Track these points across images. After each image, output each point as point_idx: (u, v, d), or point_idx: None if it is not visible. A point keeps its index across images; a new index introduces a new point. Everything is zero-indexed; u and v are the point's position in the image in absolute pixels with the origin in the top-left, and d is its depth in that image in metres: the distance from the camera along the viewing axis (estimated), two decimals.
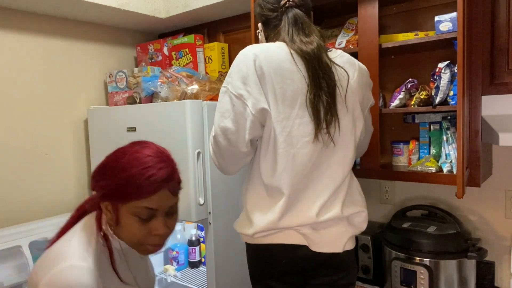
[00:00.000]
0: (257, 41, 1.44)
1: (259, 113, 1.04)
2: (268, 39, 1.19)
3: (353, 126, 1.12)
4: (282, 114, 1.05)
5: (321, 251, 1.10)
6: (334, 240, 1.11)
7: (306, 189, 1.09)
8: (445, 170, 1.34)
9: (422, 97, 1.38)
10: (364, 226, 1.16)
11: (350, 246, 1.16)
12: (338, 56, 1.12)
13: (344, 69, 1.09)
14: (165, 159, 0.93)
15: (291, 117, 1.05)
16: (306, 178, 1.08)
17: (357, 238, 1.58)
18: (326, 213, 1.08)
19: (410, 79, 1.47)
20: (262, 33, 1.21)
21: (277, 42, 1.10)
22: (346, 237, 1.13)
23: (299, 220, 1.07)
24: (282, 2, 1.11)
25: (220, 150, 1.11)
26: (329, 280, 1.13)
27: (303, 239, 1.10)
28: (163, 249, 1.93)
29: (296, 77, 1.05)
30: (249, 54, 1.05)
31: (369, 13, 1.41)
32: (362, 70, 1.16)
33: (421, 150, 1.53)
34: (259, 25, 1.21)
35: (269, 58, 1.04)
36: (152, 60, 2.17)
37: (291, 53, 1.06)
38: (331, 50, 1.14)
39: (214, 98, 1.74)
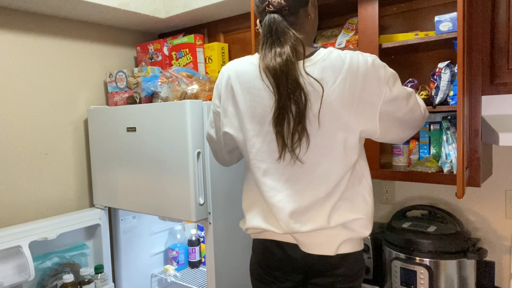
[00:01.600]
0: (257, 38, 1.42)
1: (224, 134, 1.16)
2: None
3: (339, 136, 1.03)
4: (252, 132, 1.08)
5: (311, 252, 1.10)
6: (324, 242, 1.08)
7: (288, 201, 1.07)
8: (445, 170, 1.34)
9: (422, 97, 1.38)
10: (364, 232, 1.09)
11: (347, 249, 1.10)
12: (320, 60, 1.02)
13: (318, 82, 0.99)
14: None
15: (261, 133, 1.07)
16: (284, 191, 1.07)
17: None
18: (309, 224, 1.06)
19: (410, 79, 1.47)
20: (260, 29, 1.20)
21: (255, 54, 1.11)
22: (339, 240, 1.08)
23: (282, 230, 1.08)
24: (262, 6, 1.07)
25: (211, 150, 1.31)
26: (326, 281, 1.12)
27: (293, 239, 1.11)
28: None
29: (265, 94, 1.05)
30: (224, 73, 1.14)
31: (369, 13, 1.41)
32: (353, 66, 1.00)
33: (421, 150, 1.53)
34: (257, 21, 1.17)
35: (241, 77, 1.09)
36: (152, 60, 2.17)
37: (260, 70, 1.05)
38: (313, 54, 1.04)
39: None
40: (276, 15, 1.05)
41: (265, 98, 1.05)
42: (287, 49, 1.01)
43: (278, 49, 1.02)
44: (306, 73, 1.00)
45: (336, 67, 1.00)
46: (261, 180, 1.09)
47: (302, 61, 1.02)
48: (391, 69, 1.06)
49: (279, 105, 1.01)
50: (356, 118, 1.02)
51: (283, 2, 1.04)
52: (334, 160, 1.05)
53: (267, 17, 1.05)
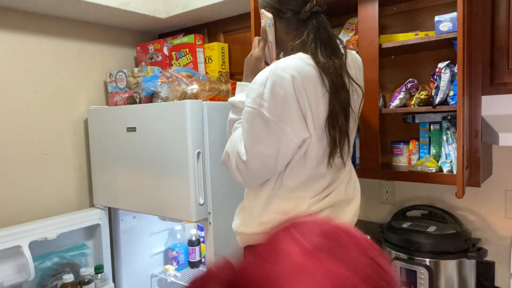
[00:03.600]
0: (257, 34, 1.36)
1: (301, 141, 1.02)
2: (281, 34, 1.13)
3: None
4: (317, 138, 1.03)
5: None
6: None
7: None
8: (445, 170, 1.34)
9: (422, 97, 1.38)
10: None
11: None
12: (351, 62, 1.11)
13: (360, 86, 1.10)
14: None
15: (323, 139, 1.04)
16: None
17: None
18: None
19: (410, 79, 1.47)
20: (273, 26, 1.12)
21: (302, 56, 1.02)
22: None
23: None
24: (309, 6, 1.03)
25: (251, 172, 1.06)
26: None
27: None
28: None
29: (326, 98, 1.02)
30: (285, 76, 0.97)
31: (369, 13, 1.41)
32: (361, 66, 1.19)
33: (421, 150, 1.53)
34: (270, 16, 1.11)
35: (306, 80, 0.98)
36: (152, 60, 2.17)
37: (320, 73, 1.00)
38: (344, 55, 1.09)
39: (214, 98, 1.74)
40: (324, 17, 1.07)
41: (326, 102, 1.02)
42: (339, 52, 1.06)
43: (332, 54, 1.03)
44: (352, 79, 1.07)
45: (359, 67, 1.16)
46: (315, 184, 1.09)
47: (345, 66, 1.07)
48: None
49: (337, 111, 1.02)
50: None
51: (325, 4, 1.08)
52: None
53: (318, 18, 1.06)
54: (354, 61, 1.14)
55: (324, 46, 1.03)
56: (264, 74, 1.00)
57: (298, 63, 0.99)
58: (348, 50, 1.12)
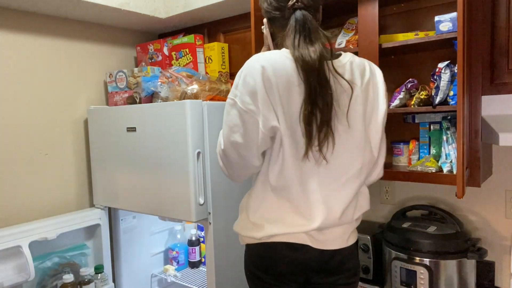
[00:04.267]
0: (257, 38, 1.43)
1: (269, 130, 1.02)
2: (273, 36, 1.17)
3: (363, 140, 1.08)
4: (290, 130, 1.03)
5: (324, 248, 1.11)
6: (339, 236, 1.13)
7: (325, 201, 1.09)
8: (445, 170, 1.34)
9: (422, 97, 1.38)
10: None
11: (353, 240, 1.18)
12: (348, 62, 1.07)
13: (348, 82, 1.04)
14: None
15: (297, 131, 1.04)
16: (320, 191, 1.08)
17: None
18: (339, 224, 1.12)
19: (410, 79, 1.47)
20: (267, 29, 1.17)
21: (283, 50, 1.05)
22: (349, 233, 1.15)
23: (304, 228, 1.08)
24: (290, 3, 1.06)
25: (231, 163, 1.10)
26: (331, 280, 1.13)
27: (307, 238, 1.10)
28: None
29: (301, 90, 1.02)
30: (256, 66, 1.01)
31: (369, 13, 1.41)
32: (374, 74, 1.11)
33: (421, 150, 1.53)
34: (264, 20, 1.17)
35: (277, 71, 1.00)
36: (152, 60, 2.17)
37: (296, 65, 1.01)
38: (341, 55, 1.09)
39: (214, 98, 1.74)
40: (306, 12, 1.05)
41: (301, 93, 1.02)
42: (319, 47, 1.02)
43: (310, 47, 1.02)
44: (336, 72, 1.03)
45: (362, 71, 1.08)
46: (295, 180, 1.06)
47: (330, 61, 1.04)
48: None
49: (309, 102, 1.00)
50: (371, 125, 1.10)
51: (311, 1, 1.07)
52: (360, 160, 1.09)
53: (298, 13, 1.05)
54: (359, 65, 1.09)
55: (303, 39, 1.03)
56: (242, 67, 1.06)
57: (273, 55, 1.03)
58: (353, 55, 1.11)
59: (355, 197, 1.13)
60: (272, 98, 1.01)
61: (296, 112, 1.02)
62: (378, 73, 1.12)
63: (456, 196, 1.21)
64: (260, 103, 1.01)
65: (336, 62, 1.06)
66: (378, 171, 1.20)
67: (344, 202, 1.09)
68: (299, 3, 1.05)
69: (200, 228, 2.19)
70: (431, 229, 1.45)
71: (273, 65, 1.01)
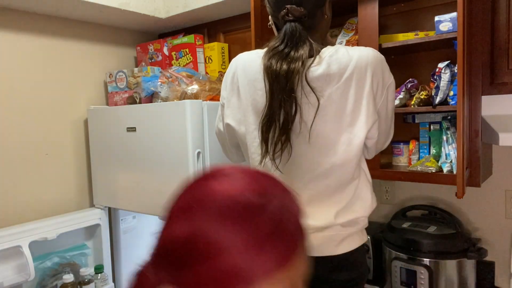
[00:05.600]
0: (257, 38, 1.44)
1: (227, 126, 1.14)
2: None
3: (343, 138, 1.02)
4: (254, 125, 1.06)
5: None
6: (324, 243, 1.04)
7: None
8: (445, 170, 1.34)
9: (422, 97, 1.38)
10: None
11: (347, 248, 1.06)
12: (327, 57, 1.00)
13: (316, 94, 0.97)
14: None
15: (257, 136, 1.06)
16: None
17: None
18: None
19: (410, 79, 1.47)
20: (274, 26, 1.16)
21: (265, 49, 1.06)
22: (337, 240, 1.05)
23: None
24: (282, 14, 1.04)
25: (221, 146, 1.29)
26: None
27: None
28: None
29: (264, 97, 1.03)
30: (232, 65, 1.12)
31: (369, 13, 1.41)
32: (361, 62, 0.99)
33: (421, 150, 1.53)
34: (270, 17, 1.15)
35: (247, 70, 1.07)
36: (152, 60, 2.17)
37: (263, 73, 1.02)
38: (320, 51, 1.02)
39: (214, 98, 1.74)
40: (296, 24, 1.02)
41: (265, 93, 1.02)
42: (301, 56, 0.99)
43: (291, 55, 1.00)
44: (307, 81, 0.98)
45: (343, 63, 0.99)
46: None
47: (304, 74, 0.99)
48: (393, 78, 1.10)
49: (270, 111, 1.00)
50: (364, 117, 1.02)
51: (302, 10, 1.02)
52: (329, 162, 1.03)
53: (287, 26, 1.03)
54: (340, 58, 1.00)
55: (282, 49, 1.01)
56: None
57: (251, 56, 1.08)
58: (340, 47, 1.03)
59: (336, 200, 1.05)
60: (238, 95, 1.08)
61: (262, 110, 1.03)
62: (372, 60, 1.02)
63: (456, 196, 1.21)
64: (228, 99, 1.13)
65: (310, 70, 1.00)
66: (380, 146, 1.19)
67: (308, 203, 1.03)
68: (290, 16, 1.03)
69: None
70: (431, 229, 1.45)
71: (245, 64, 1.07)
